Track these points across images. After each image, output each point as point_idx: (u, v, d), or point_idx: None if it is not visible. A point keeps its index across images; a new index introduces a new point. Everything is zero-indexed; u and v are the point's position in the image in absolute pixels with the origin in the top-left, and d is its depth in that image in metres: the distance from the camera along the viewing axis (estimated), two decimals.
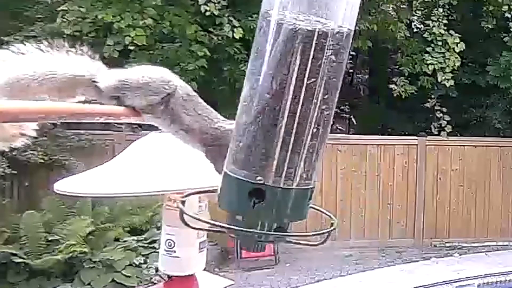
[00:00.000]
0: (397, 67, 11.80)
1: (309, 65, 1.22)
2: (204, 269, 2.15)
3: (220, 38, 9.69)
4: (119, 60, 9.36)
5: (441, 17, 10.62)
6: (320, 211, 1.48)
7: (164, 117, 1.39)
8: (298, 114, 1.22)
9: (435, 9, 10.80)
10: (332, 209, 11.81)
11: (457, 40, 10.40)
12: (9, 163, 8.19)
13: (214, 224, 1.31)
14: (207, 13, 9.10)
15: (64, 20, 9.12)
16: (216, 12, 9.10)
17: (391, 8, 11.00)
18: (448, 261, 9.61)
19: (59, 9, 9.27)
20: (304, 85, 1.21)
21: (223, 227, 1.30)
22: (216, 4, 9.06)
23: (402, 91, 10.89)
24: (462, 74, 11.15)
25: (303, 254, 9.63)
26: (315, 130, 1.24)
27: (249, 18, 9.80)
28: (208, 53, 9.42)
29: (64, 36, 9.38)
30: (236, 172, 1.25)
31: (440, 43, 10.50)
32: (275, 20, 1.26)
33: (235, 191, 1.27)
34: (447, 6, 10.95)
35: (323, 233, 1.40)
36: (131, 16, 8.81)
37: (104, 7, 8.90)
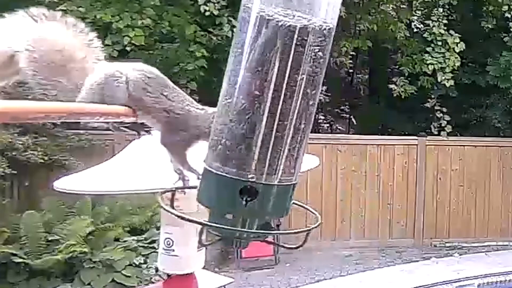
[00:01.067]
0: (397, 67, 11.80)
1: (290, 61, 1.20)
2: (204, 269, 2.15)
3: (219, 38, 9.68)
4: (118, 60, 9.36)
5: (441, 17, 10.62)
6: (303, 207, 1.47)
7: (133, 106, 1.40)
8: (279, 110, 1.20)
9: (435, 9, 10.80)
10: (332, 209, 11.88)
11: (457, 40, 10.40)
12: (9, 163, 8.18)
13: (196, 222, 1.29)
14: (207, 13, 9.10)
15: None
16: (215, 12, 9.09)
17: (391, 8, 11.01)
18: (448, 261, 9.61)
19: (57, 9, 9.26)
20: (285, 81, 1.20)
21: (205, 224, 1.28)
22: (216, 4, 9.06)
23: (402, 91, 10.88)
24: (462, 74, 11.15)
25: (303, 254, 9.63)
26: (297, 125, 1.23)
27: None
28: (206, 54, 9.42)
29: None
30: (216, 168, 1.24)
31: (440, 43, 10.50)
32: (256, 14, 1.23)
33: (215, 188, 1.25)
34: (447, 6, 10.95)
35: (306, 230, 1.39)
36: (130, 16, 8.81)
37: (103, 7, 8.89)
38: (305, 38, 1.21)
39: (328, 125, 14.49)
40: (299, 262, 9.41)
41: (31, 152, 8.40)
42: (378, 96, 13.42)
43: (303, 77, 1.21)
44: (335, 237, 10.36)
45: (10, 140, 8.21)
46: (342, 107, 14.55)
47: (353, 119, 14.43)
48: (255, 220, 1.27)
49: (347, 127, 14.43)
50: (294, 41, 1.20)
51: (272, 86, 1.20)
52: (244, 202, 1.22)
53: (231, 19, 9.32)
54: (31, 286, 7.80)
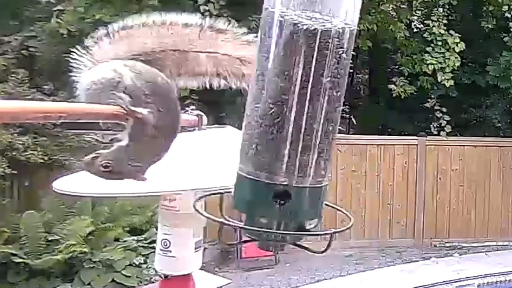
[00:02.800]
0: (397, 67, 11.80)
1: (314, 64, 1.21)
2: (204, 269, 2.15)
3: None
4: None
5: (441, 17, 10.62)
6: (336, 208, 1.49)
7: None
8: (305, 113, 1.22)
9: (435, 9, 10.80)
10: (332, 209, 11.83)
11: (457, 40, 10.40)
12: (9, 163, 8.19)
13: (234, 226, 1.31)
14: (206, 13, 9.09)
15: (59, 20, 9.11)
16: (215, 12, 9.10)
17: (391, 8, 11.00)
18: (448, 261, 9.62)
19: (54, 9, 9.26)
20: (310, 84, 1.21)
21: (242, 228, 1.30)
22: (215, 4, 9.06)
23: (402, 91, 10.88)
24: (462, 74, 11.15)
25: (303, 254, 9.62)
26: (323, 128, 1.24)
27: (249, 18, 9.80)
28: None
29: (65, 36, 9.38)
30: (248, 173, 1.26)
31: (440, 43, 10.50)
32: (278, 18, 1.25)
33: (248, 192, 1.27)
34: (447, 6, 10.95)
35: (340, 231, 1.41)
36: (129, 16, 8.80)
37: (102, 7, 8.89)
38: (328, 40, 1.23)
39: None
40: (299, 262, 9.41)
41: (31, 152, 8.41)
42: (378, 96, 13.41)
43: (327, 80, 1.23)
44: (335, 237, 10.35)
45: (10, 140, 8.22)
46: (342, 107, 14.54)
47: (353, 119, 14.42)
48: (289, 223, 1.29)
49: (347, 127, 14.42)
50: (317, 44, 1.22)
51: (297, 89, 1.21)
52: (277, 206, 1.24)
53: (231, 19, 9.33)
54: (31, 286, 7.81)
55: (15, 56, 9.89)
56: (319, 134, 1.24)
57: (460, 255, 10.01)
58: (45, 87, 10.01)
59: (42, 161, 8.50)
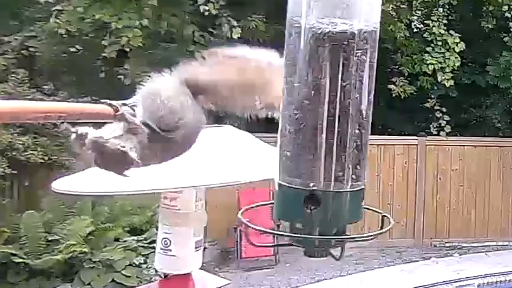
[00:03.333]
0: (397, 67, 11.80)
1: (341, 68, 1.22)
2: (204, 269, 2.15)
3: (219, 38, 9.68)
4: (118, 60, 9.36)
5: (441, 17, 10.62)
6: (375, 211, 1.51)
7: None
8: (337, 117, 1.23)
9: (435, 9, 10.80)
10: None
11: (457, 40, 10.40)
12: (9, 163, 8.19)
13: (278, 234, 1.38)
14: (206, 13, 9.09)
15: (57, 20, 9.11)
16: (214, 12, 9.09)
17: (391, 8, 10.98)
18: (448, 261, 9.61)
19: (53, 9, 9.25)
20: (339, 88, 1.22)
21: (284, 235, 1.35)
22: (215, 4, 9.06)
23: (402, 91, 10.88)
24: (462, 74, 11.14)
25: (303, 254, 9.63)
26: (356, 131, 1.26)
27: (248, 18, 9.80)
28: None
29: (64, 36, 9.37)
30: (285, 180, 1.27)
31: (440, 43, 10.50)
32: (302, 26, 1.27)
33: (289, 200, 1.29)
34: (447, 6, 10.95)
35: (379, 233, 1.43)
36: (128, 17, 8.80)
37: (102, 6, 8.88)
38: (353, 44, 1.25)
39: None
40: (299, 262, 9.40)
41: (31, 152, 8.41)
42: (378, 96, 13.27)
43: (355, 83, 1.25)
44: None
45: (10, 140, 8.22)
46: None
47: None
48: (331, 229, 1.31)
49: None
50: (343, 48, 1.24)
51: (326, 95, 1.23)
52: (317, 212, 1.25)
53: (230, 19, 9.33)
54: (31, 286, 7.81)
55: (15, 56, 9.89)
56: (352, 137, 1.26)
57: (460, 255, 10.01)
58: (45, 87, 10.01)
59: (42, 161, 8.50)
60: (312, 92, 1.23)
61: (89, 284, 7.83)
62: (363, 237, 1.46)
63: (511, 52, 10.91)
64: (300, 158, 1.25)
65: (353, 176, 1.27)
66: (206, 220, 2.07)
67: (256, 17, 9.84)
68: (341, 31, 1.23)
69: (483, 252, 10.11)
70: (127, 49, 9.00)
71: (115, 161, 1.21)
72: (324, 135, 1.23)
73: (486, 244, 10.52)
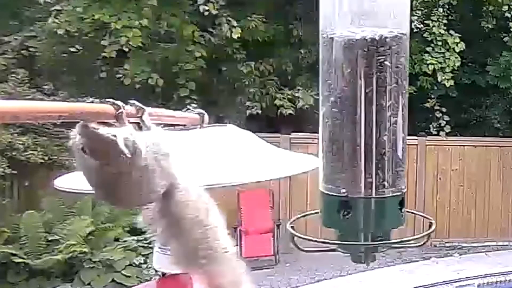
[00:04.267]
0: None
1: (374, 74, 1.24)
2: None
3: (219, 38, 9.69)
4: (118, 60, 9.36)
5: (441, 17, 10.62)
6: (418, 214, 1.54)
7: None
8: (374, 123, 1.25)
9: (435, 9, 10.80)
10: None
11: (457, 40, 10.40)
12: (9, 163, 8.19)
13: (325, 242, 1.40)
14: (206, 13, 9.09)
15: (56, 20, 9.11)
16: (214, 12, 9.09)
17: None
18: (448, 261, 9.61)
19: (52, 9, 9.25)
20: (374, 93, 1.24)
21: (328, 243, 1.40)
22: (215, 4, 9.06)
23: None
24: (462, 74, 11.14)
25: (303, 254, 9.63)
26: (393, 136, 1.27)
27: (248, 18, 9.80)
28: (205, 54, 9.42)
29: (64, 36, 9.37)
30: (328, 189, 1.31)
31: (440, 43, 10.50)
32: (334, 36, 1.29)
33: (331, 208, 1.32)
34: (447, 6, 10.95)
35: (421, 236, 1.46)
36: (128, 17, 8.80)
37: (101, 6, 8.89)
38: (384, 48, 1.27)
39: None
40: (299, 262, 9.41)
41: (31, 152, 8.41)
42: None
43: (390, 88, 1.26)
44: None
45: (10, 140, 8.22)
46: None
47: None
48: (376, 233, 1.33)
49: None
50: (375, 54, 1.26)
51: (363, 101, 1.24)
52: (361, 218, 1.29)
53: (230, 19, 9.33)
54: (31, 286, 7.81)
55: (15, 56, 9.89)
56: (389, 143, 1.27)
57: (460, 255, 10.01)
58: (45, 87, 10.01)
59: (42, 161, 8.50)
60: (348, 100, 1.25)
61: (89, 284, 7.83)
62: (407, 240, 1.48)
63: (511, 52, 10.91)
64: (341, 166, 1.27)
65: (392, 182, 1.29)
66: None
67: (256, 17, 9.84)
68: (372, 38, 1.25)
69: (483, 252, 10.11)
70: (127, 49, 9.00)
71: (103, 150, 1.14)
72: (362, 143, 1.25)
73: (486, 244, 10.52)
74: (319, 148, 1.32)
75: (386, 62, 1.25)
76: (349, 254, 1.38)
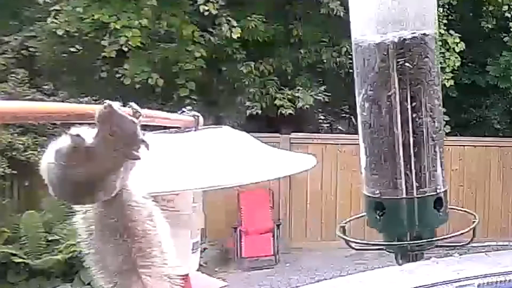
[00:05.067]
0: None
1: (407, 75, 1.25)
2: (204, 269, 2.15)
3: (219, 38, 9.69)
4: (118, 60, 9.36)
5: (441, 17, 10.60)
6: (460, 210, 1.57)
7: None
8: (411, 124, 1.27)
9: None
10: (332, 209, 11.87)
11: (457, 40, 10.40)
12: (9, 163, 8.19)
13: (374, 244, 1.49)
14: (206, 13, 9.09)
15: (55, 20, 9.11)
16: (214, 12, 9.09)
17: None
18: (448, 261, 9.61)
19: (51, 9, 9.25)
20: (409, 96, 1.25)
21: (374, 244, 1.49)
22: (215, 4, 9.06)
23: None
24: (462, 74, 11.14)
25: (303, 254, 9.64)
26: (429, 137, 1.29)
27: (248, 18, 9.80)
28: (204, 54, 9.42)
29: (64, 36, 9.37)
30: (370, 192, 1.34)
31: (440, 43, 10.49)
32: (364, 43, 1.31)
33: (371, 209, 1.36)
34: (447, 6, 10.94)
35: (466, 232, 1.49)
36: (128, 17, 8.80)
37: (101, 6, 8.89)
38: (415, 49, 1.30)
39: (328, 125, 14.49)
40: (299, 262, 9.41)
41: (31, 152, 8.41)
42: None
43: (424, 88, 1.28)
44: (335, 237, 10.34)
45: (10, 140, 8.22)
46: (342, 107, 14.53)
47: (353, 119, 14.42)
48: (422, 232, 1.40)
49: (347, 127, 14.42)
50: (406, 55, 1.30)
51: (398, 104, 1.26)
52: (405, 218, 1.32)
53: (230, 19, 9.33)
54: (31, 286, 7.80)
55: (15, 56, 9.89)
56: (426, 143, 1.29)
57: (460, 255, 10.01)
58: (45, 87, 10.01)
59: None
60: (384, 104, 1.28)
61: (89, 284, 7.82)
62: (451, 237, 1.51)
63: (511, 52, 10.91)
64: (382, 169, 1.30)
65: (433, 180, 1.31)
66: (204, 222, 2.07)
67: (256, 17, 9.84)
68: (400, 40, 1.27)
69: (483, 252, 10.10)
70: (127, 49, 9.00)
71: (126, 133, 1.11)
72: (401, 144, 1.29)
73: (486, 244, 10.52)
74: (360, 152, 1.34)
75: (417, 62, 1.26)
76: (396, 253, 1.43)
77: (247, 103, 10.22)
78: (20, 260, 7.74)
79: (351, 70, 10.69)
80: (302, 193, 10.27)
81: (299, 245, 9.98)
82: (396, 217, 1.31)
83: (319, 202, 10.34)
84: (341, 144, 10.54)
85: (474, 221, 1.52)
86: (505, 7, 10.41)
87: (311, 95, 10.10)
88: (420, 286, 8.31)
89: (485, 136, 11.40)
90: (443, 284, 8.34)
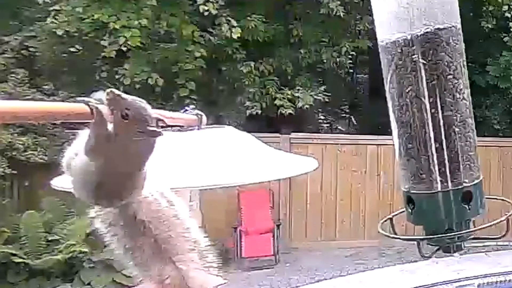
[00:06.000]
0: None
1: (434, 71, 1.26)
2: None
3: (219, 38, 9.68)
4: (118, 60, 9.36)
5: None
6: (497, 199, 1.59)
7: None
8: (441, 122, 1.29)
9: None
10: (332, 209, 11.84)
11: None
12: (9, 163, 8.19)
13: (414, 239, 1.52)
14: (205, 13, 9.09)
15: (54, 20, 9.10)
16: (214, 12, 9.09)
17: None
18: (448, 261, 9.60)
19: (50, 9, 9.25)
20: (437, 92, 1.26)
21: (422, 239, 1.51)
22: (215, 4, 9.05)
23: None
24: None
25: (303, 254, 9.64)
26: (460, 130, 1.31)
27: (248, 18, 9.80)
28: (204, 54, 9.42)
29: (65, 36, 9.37)
30: (409, 188, 1.39)
31: None
32: (389, 41, 1.36)
33: (406, 203, 1.44)
34: None
35: (500, 222, 1.51)
36: (127, 17, 8.80)
37: (100, 7, 8.89)
38: (440, 44, 1.32)
39: (328, 125, 14.49)
40: (299, 262, 9.41)
41: (31, 152, 8.41)
42: (378, 96, 13.39)
43: (451, 82, 1.29)
44: (335, 237, 10.35)
45: (10, 140, 8.22)
46: (342, 107, 14.54)
47: (353, 119, 14.42)
48: (460, 223, 1.40)
49: (347, 127, 14.42)
50: (433, 51, 1.30)
51: (427, 100, 1.27)
52: (442, 210, 1.35)
53: (230, 19, 9.32)
54: (31, 286, 7.80)
55: (15, 56, 9.88)
56: (459, 137, 1.32)
57: (460, 255, 9.98)
58: (45, 87, 10.01)
59: (42, 161, 8.50)
60: (413, 101, 1.30)
61: (89, 284, 7.83)
62: (486, 227, 1.53)
63: (511, 52, 10.91)
64: (418, 165, 1.34)
65: (469, 173, 1.32)
66: (201, 221, 2.07)
67: (256, 17, 9.84)
68: (426, 34, 1.29)
69: (483, 252, 10.10)
70: (126, 49, 9.00)
71: (137, 112, 1.14)
72: (433, 140, 1.32)
73: (486, 244, 10.51)
74: (396, 152, 1.36)
75: (443, 56, 1.27)
76: (439, 246, 1.48)
77: (247, 103, 10.22)
78: (20, 260, 7.73)
79: (351, 70, 10.69)
80: (302, 193, 10.26)
81: (299, 245, 9.98)
82: (425, 210, 1.35)
83: (319, 202, 10.34)
84: (341, 144, 10.53)
85: (506, 213, 1.54)
86: (505, 7, 10.41)
87: (311, 95, 10.09)
88: (420, 286, 8.30)
89: (485, 136, 11.39)
90: (443, 284, 8.33)
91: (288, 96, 10.10)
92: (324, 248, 9.77)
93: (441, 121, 1.30)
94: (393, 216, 1.58)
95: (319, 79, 11.72)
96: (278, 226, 9.69)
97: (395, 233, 1.53)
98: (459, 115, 1.31)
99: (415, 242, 1.45)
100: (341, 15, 9.85)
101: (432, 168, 1.31)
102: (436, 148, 1.30)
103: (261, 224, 9.56)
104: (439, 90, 1.30)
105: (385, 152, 10.67)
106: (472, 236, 1.48)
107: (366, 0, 10.88)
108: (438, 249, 1.45)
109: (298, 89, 10.20)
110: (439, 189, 1.32)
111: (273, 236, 9.46)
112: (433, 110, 1.29)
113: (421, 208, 1.33)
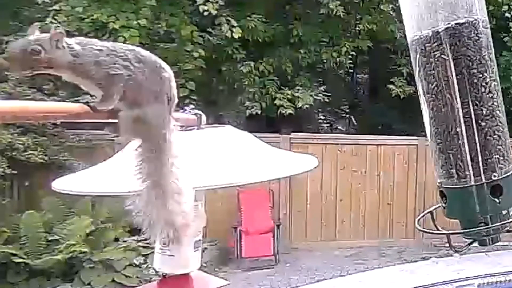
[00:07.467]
0: (396, 67, 11.81)
1: (463, 65, 1.27)
2: (204, 269, 2.15)
3: (218, 38, 9.68)
4: None
5: None
6: None
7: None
8: (473, 117, 1.32)
9: None
10: (332, 209, 11.84)
11: None
12: (9, 163, 8.18)
13: (451, 233, 1.56)
14: (205, 13, 9.09)
15: (54, 21, 9.10)
16: (214, 12, 9.09)
17: (390, 8, 11.00)
18: (448, 261, 9.61)
19: (50, 9, 9.25)
20: (463, 86, 1.27)
21: (458, 233, 1.55)
22: (214, 4, 9.06)
23: (401, 92, 10.89)
24: None
25: (303, 254, 9.64)
26: (491, 123, 1.31)
27: (248, 18, 9.80)
28: (204, 54, 9.42)
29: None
30: (445, 183, 1.39)
31: None
32: (417, 38, 1.35)
33: (440, 197, 1.43)
34: None
35: None
36: (126, 17, 8.80)
37: (100, 7, 8.89)
38: (469, 37, 1.32)
39: (328, 125, 14.50)
40: (299, 262, 9.42)
41: (31, 152, 8.41)
42: (378, 96, 13.42)
43: (479, 76, 1.30)
44: (335, 237, 10.36)
45: (10, 140, 8.22)
46: (342, 107, 14.54)
47: (353, 119, 14.43)
48: (495, 216, 1.39)
49: (347, 127, 14.42)
50: (461, 45, 1.33)
51: (457, 94, 1.31)
52: (477, 204, 1.36)
53: (230, 19, 9.33)
54: (31, 286, 7.80)
55: None
56: (490, 130, 1.32)
57: (460, 255, 9.99)
58: (45, 87, 10.01)
59: (42, 161, 8.50)
60: (444, 95, 1.32)
61: (89, 284, 7.83)
62: None
63: (511, 52, 10.92)
64: (450, 160, 1.35)
65: (486, 168, 1.33)
66: (205, 221, 2.07)
67: (256, 17, 9.84)
68: (455, 28, 1.30)
69: (483, 252, 10.10)
70: None
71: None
72: (465, 135, 1.33)
73: None
74: (431, 148, 1.37)
75: (473, 49, 1.28)
76: (474, 239, 1.50)
77: (247, 103, 10.22)
78: (20, 260, 7.73)
79: (351, 70, 10.70)
80: (302, 193, 10.27)
81: (299, 245, 9.99)
82: (458, 204, 1.36)
83: (319, 202, 10.34)
84: (341, 144, 10.53)
85: None
86: (505, 7, 10.42)
87: (311, 95, 10.10)
88: (420, 286, 8.31)
89: None
90: (443, 284, 8.34)
91: (288, 96, 10.10)
92: (324, 248, 9.77)
93: (468, 116, 1.32)
94: (429, 211, 1.60)
95: (319, 79, 11.73)
96: (278, 226, 9.69)
97: (437, 228, 1.53)
98: (485, 109, 1.32)
99: (446, 236, 1.47)
100: (341, 15, 9.85)
101: (462, 162, 1.33)
102: (464, 142, 1.32)
103: (261, 224, 9.56)
104: (464, 84, 1.32)
105: (385, 152, 10.68)
106: (507, 229, 1.48)
107: (366, 1, 10.90)
108: (471, 243, 1.46)
109: (298, 89, 10.20)
110: (471, 183, 1.34)
111: (273, 236, 9.46)
112: (460, 105, 1.31)
113: (452, 202, 1.35)
